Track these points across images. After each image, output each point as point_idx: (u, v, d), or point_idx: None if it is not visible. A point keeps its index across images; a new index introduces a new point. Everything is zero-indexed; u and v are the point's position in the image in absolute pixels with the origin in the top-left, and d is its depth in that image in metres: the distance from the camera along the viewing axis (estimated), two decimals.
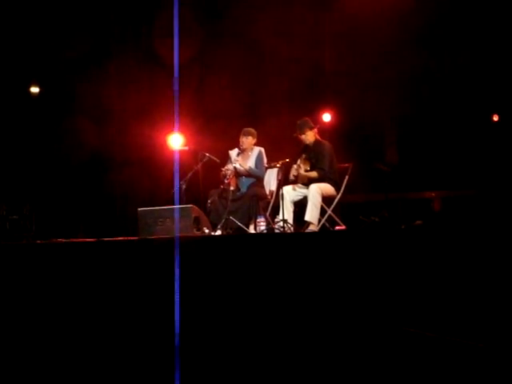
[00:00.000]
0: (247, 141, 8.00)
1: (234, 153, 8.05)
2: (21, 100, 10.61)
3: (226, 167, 7.78)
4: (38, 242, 6.64)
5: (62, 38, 10.25)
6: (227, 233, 7.32)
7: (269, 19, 10.05)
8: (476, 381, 4.44)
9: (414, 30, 10.11)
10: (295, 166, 7.77)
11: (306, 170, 7.78)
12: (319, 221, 7.54)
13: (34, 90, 10.84)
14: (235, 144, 8.08)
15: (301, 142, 7.97)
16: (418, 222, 7.60)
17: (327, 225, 7.66)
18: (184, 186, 7.62)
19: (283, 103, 10.35)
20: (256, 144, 8.09)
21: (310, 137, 7.91)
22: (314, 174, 7.72)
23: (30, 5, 9.94)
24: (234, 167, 7.80)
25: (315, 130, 7.99)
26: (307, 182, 7.69)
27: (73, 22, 10.17)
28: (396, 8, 9.60)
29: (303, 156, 7.82)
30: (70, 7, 10.15)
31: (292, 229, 7.41)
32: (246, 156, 8.01)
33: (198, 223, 7.07)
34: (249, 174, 7.88)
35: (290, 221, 7.54)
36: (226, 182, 7.65)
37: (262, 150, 8.03)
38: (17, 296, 5.36)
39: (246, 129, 8.08)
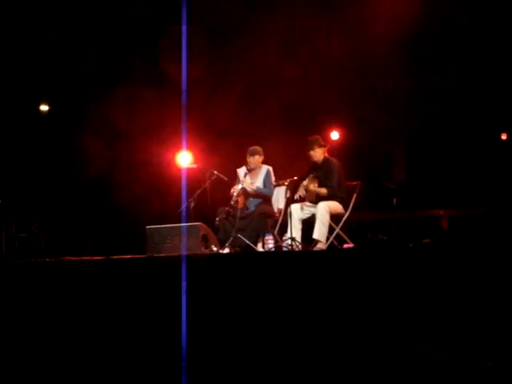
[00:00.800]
0: (254, 160, 7.99)
1: (241, 171, 8.05)
2: (30, 118, 10.67)
3: (233, 188, 7.76)
4: (47, 259, 6.65)
5: (71, 56, 10.32)
6: (235, 251, 7.32)
7: (276, 38, 10.11)
8: None
9: (421, 48, 10.15)
10: (304, 183, 7.75)
11: (317, 187, 7.77)
12: (327, 239, 7.53)
13: (44, 108, 10.91)
14: (243, 162, 8.09)
15: (309, 158, 7.97)
16: (426, 240, 7.58)
17: (335, 243, 7.65)
18: (192, 204, 7.63)
19: (292, 121, 10.37)
20: (264, 162, 8.09)
21: (318, 154, 7.92)
22: (323, 190, 7.70)
23: (40, 24, 10.00)
24: (242, 188, 7.80)
25: (325, 148, 8.00)
26: (315, 200, 7.69)
27: (82, 42, 10.24)
28: (401, 26, 9.63)
29: (311, 175, 7.82)
30: (80, 27, 10.22)
31: (300, 247, 7.41)
32: (254, 175, 8.01)
33: (206, 241, 7.07)
34: (257, 194, 7.89)
35: (298, 239, 7.53)
36: (232, 202, 7.64)
37: (270, 168, 8.02)
38: (26, 314, 5.37)
39: (252, 148, 8.05)
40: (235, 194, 7.68)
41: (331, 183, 7.70)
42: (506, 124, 10.52)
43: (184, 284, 4.48)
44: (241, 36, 10.45)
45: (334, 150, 9.45)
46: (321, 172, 7.84)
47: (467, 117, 10.37)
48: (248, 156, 7.99)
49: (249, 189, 7.86)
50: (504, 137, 10.61)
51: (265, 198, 7.94)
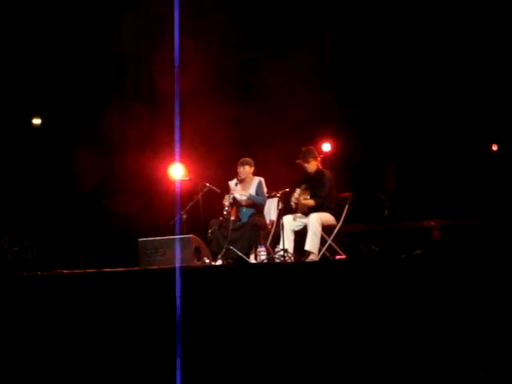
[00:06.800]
0: (244, 170, 8.01)
1: (232, 183, 8.07)
2: (23, 132, 10.67)
3: (225, 198, 7.77)
4: (39, 273, 6.63)
5: (63, 70, 10.35)
6: (228, 263, 7.32)
7: (270, 52, 10.18)
8: None
9: (412, 56, 10.23)
10: (297, 192, 7.77)
11: (306, 199, 7.80)
12: (319, 250, 7.55)
13: (36, 121, 10.91)
14: (235, 174, 8.11)
15: (303, 168, 8.00)
16: (418, 251, 7.60)
17: (327, 254, 7.66)
18: (185, 216, 7.64)
19: (284, 133, 10.41)
20: (256, 173, 8.12)
21: (312, 165, 7.95)
22: (311, 202, 7.74)
23: (31, 38, 10.04)
24: (234, 197, 7.81)
25: (318, 159, 8.03)
26: (307, 211, 7.71)
27: (74, 55, 10.27)
28: (393, 28, 9.75)
29: (303, 186, 7.85)
30: (71, 41, 10.26)
31: (292, 258, 7.42)
32: (245, 186, 8.02)
33: (198, 253, 7.07)
34: (249, 202, 7.89)
35: (291, 250, 7.54)
36: (225, 213, 7.64)
37: (262, 179, 8.04)
38: (18, 327, 5.35)
39: (243, 159, 8.09)
40: (227, 203, 7.69)
41: (319, 193, 7.72)
42: (496, 135, 10.57)
43: (178, 296, 4.48)
44: (234, 49, 10.51)
45: (326, 161, 9.49)
46: (313, 183, 7.87)
47: (458, 128, 10.42)
48: (238, 166, 8.02)
49: (241, 197, 7.87)
50: (494, 148, 10.66)
51: (257, 207, 7.94)
